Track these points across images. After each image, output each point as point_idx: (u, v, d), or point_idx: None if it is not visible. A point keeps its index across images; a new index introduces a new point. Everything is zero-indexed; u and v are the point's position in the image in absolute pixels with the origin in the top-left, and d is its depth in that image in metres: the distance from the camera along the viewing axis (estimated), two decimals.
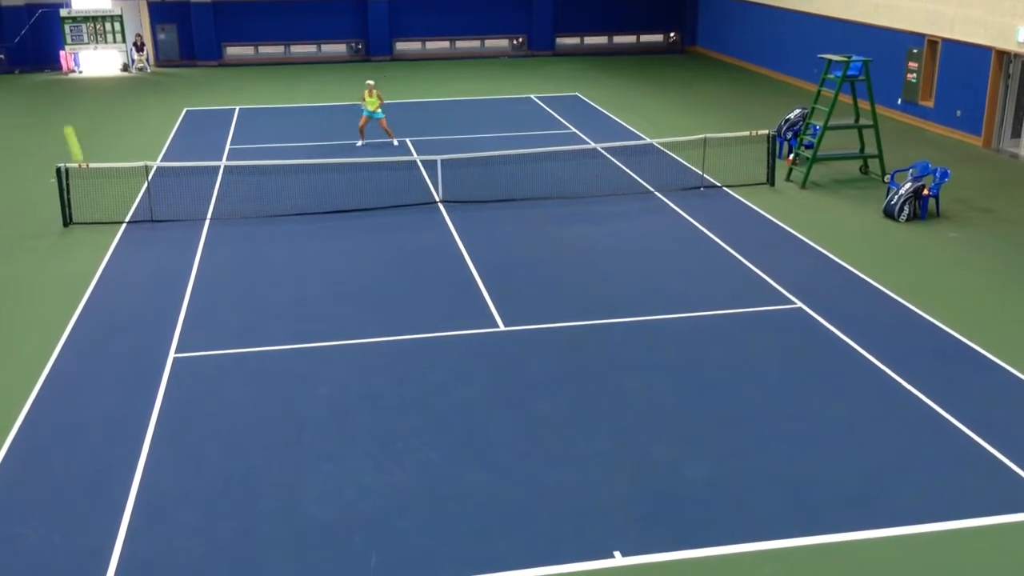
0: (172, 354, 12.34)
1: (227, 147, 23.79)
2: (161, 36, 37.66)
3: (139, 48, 36.31)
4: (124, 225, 17.59)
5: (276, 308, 13.82)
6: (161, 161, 22.11)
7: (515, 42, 39.97)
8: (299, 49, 38.57)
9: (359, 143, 23.69)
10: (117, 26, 36.00)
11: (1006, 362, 11.84)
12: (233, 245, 16.50)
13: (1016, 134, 22.77)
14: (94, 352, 12.42)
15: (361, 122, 23.62)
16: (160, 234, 17.12)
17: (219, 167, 21.07)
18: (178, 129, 26.01)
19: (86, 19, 35.76)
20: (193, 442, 10.28)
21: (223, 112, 28.24)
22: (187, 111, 28.47)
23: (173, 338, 12.82)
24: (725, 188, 19.67)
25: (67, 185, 17.57)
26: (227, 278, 14.98)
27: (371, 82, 24.05)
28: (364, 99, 23.51)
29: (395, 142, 23.80)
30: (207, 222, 17.75)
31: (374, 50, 38.59)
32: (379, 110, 23.46)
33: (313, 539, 8.64)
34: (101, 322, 13.36)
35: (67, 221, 17.59)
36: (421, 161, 21.15)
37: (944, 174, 18.12)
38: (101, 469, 9.75)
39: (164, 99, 30.58)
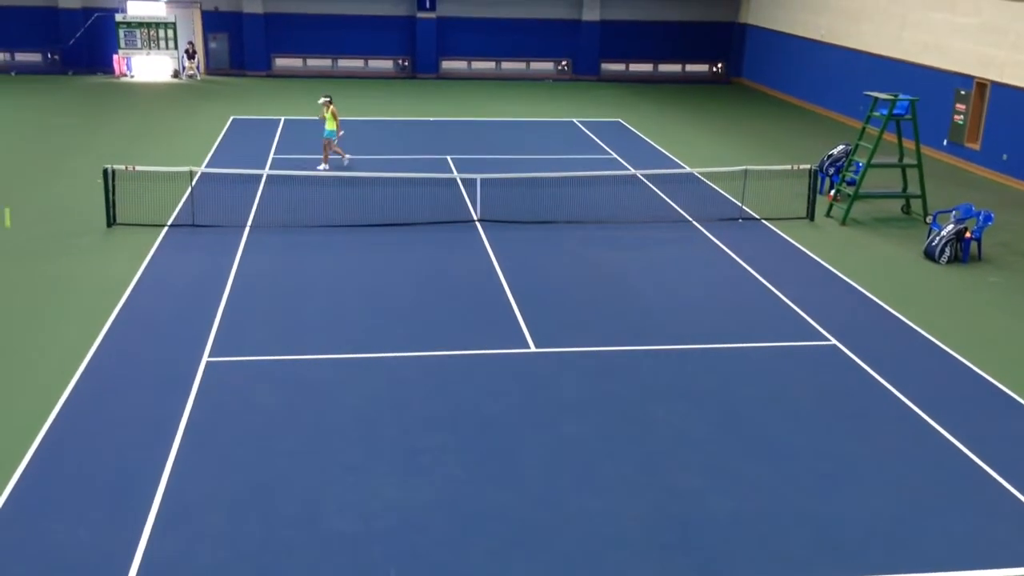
0: (206, 358, 12.46)
1: (271, 156, 24.07)
2: (212, 45, 38.29)
3: (191, 56, 36.92)
4: (166, 228, 17.84)
5: (310, 317, 13.93)
6: (206, 167, 22.42)
7: (560, 66, 40.15)
8: (346, 63, 39.01)
9: (321, 167, 22.33)
10: (170, 33, 36.63)
11: None
12: (271, 253, 16.67)
13: None
14: (129, 352, 12.57)
15: (325, 146, 22.45)
16: (200, 239, 17.34)
17: (262, 175, 21.31)
18: (224, 136, 26.37)
19: (140, 25, 36.42)
20: (221, 446, 10.36)
21: (269, 122, 28.60)
22: (234, 119, 28.86)
23: (208, 342, 12.95)
24: (764, 221, 19.58)
25: (112, 186, 17.86)
26: (264, 285, 15.13)
27: (326, 98, 22.50)
28: (324, 117, 22.22)
29: (324, 167, 22.30)
30: (247, 229, 17.95)
31: (421, 68, 38.95)
32: (332, 128, 22.14)
33: (333, 550, 8.66)
34: (138, 323, 13.53)
35: (111, 222, 17.86)
36: (461, 179, 21.26)
37: (988, 217, 17.91)
38: (130, 468, 9.85)
39: (212, 106, 31.03)
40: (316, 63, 38.97)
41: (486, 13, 39.07)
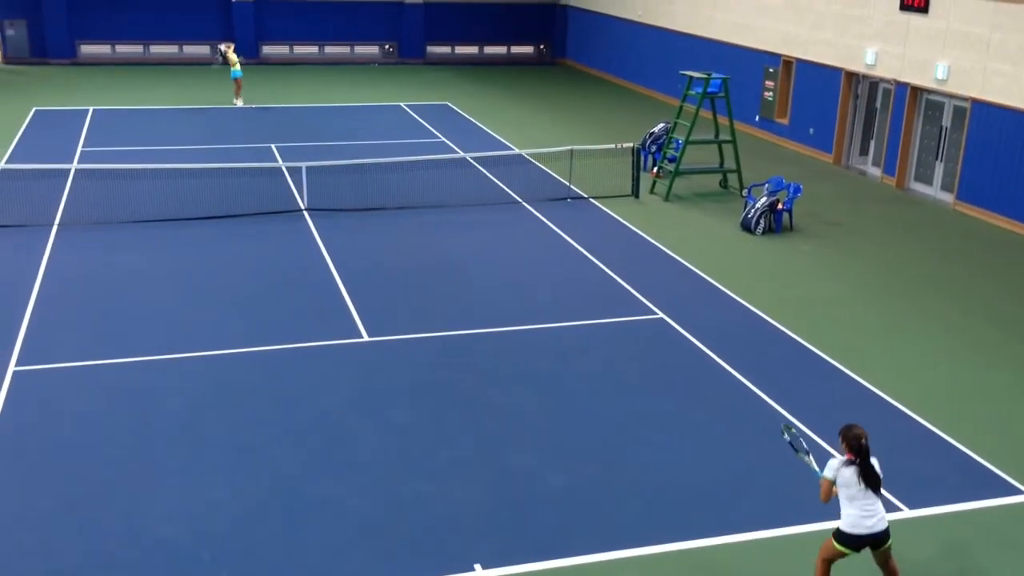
0: (12, 367, 11.65)
1: (79, 149, 22.74)
2: (10, 32, 35.77)
3: None
4: None
5: (128, 319, 13.24)
6: (5, 163, 20.94)
7: (386, 49, 39.70)
8: (160, 49, 37.28)
9: (237, 102, 28.45)
10: None
11: (849, 368, 12.36)
12: (83, 252, 15.75)
13: (864, 152, 23.93)
14: None
15: (236, 85, 28.36)
16: (2, 240, 16.18)
17: (69, 170, 20.10)
18: (26, 129, 24.71)
19: None
20: (31, 460, 9.71)
21: (76, 112, 27.00)
22: (36, 110, 27.10)
23: (14, 350, 12.11)
24: (591, 199, 19.97)
25: None
26: (76, 287, 14.28)
27: (228, 46, 29.63)
28: (232, 61, 28.18)
29: (239, 103, 28.37)
30: (55, 228, 16.90)
31: (239, 53, 37.62)
32: (237, 68, 28.21)
33: (160, 559, 8.26)
34: None
35: None
36: (286, 167, 20.70)
37: (797, 189, 18.86)
38: None
39: (11, 97, 29.02)
40: (127, 49, 37.05)
41: None
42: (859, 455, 7.38)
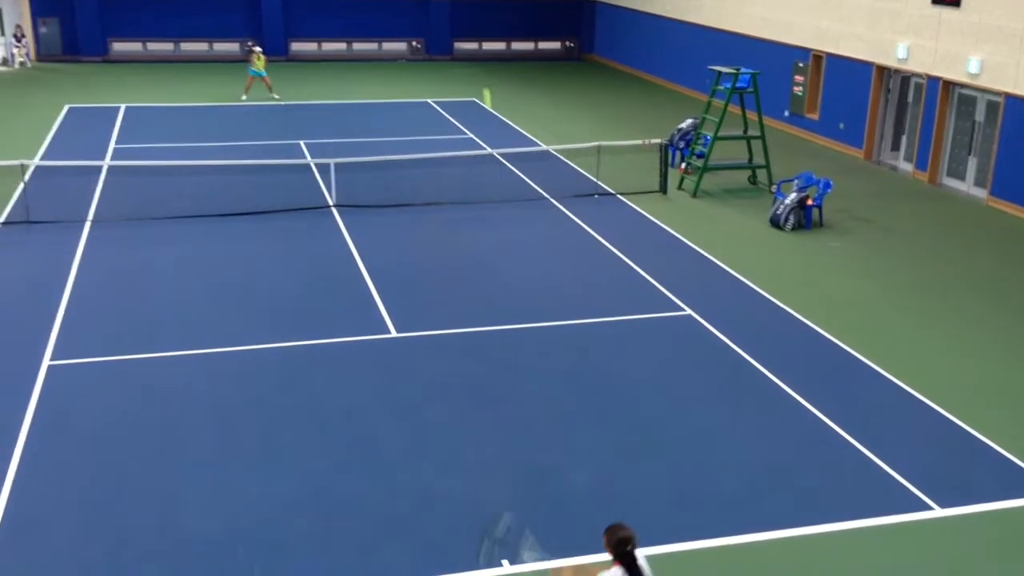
0: (47, 361, 11.81)
1: (111, 146, 22.97)
2: (43, 29, 36.19)
3: (18, 39, 34.77)
4: None
5: (159, 314, 13.37)
6: (40, 160, 21.20)
7: (414, 45, 39.77)
8: (190, 47, 37.56)
9: (243, 97, 29.05)
10: None
11: (880, 366, 12.26)
12: (116, 248, 15.92)
13: (895, 147, 23.69)
14: None
15: (248, 81, 29.12)
16: (37, 236, 16.40)
17: (102, 167, 20.32)
18: (59, 127, 25.00)
19: None
20: (66, 453, 9.84)
21: (108, 109, 27.28)
22: (69, 108, 27.41)
23: (48, 345, 12.27)
24: (619, 196, 19.92)
25: None
26: (108, 282, 14.44)
27: (258, 48, 30.11)
28: (253, 61, 29.01)
29: (276, 96, 29.20)
30: (88, 224, 17.09)
31: (269, 50, 37.87)
32: (263, 69, 29.06)
33: (193, 553, 8.35)
34: None
35: None
36: (314, 164, 20.81)
37: (827, 185, 18.72)
38: None
39: (45, 95, 29.36)
40: (157, 47, 37.37)
41: None
42: (624, 562, 6.26)
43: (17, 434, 10.14)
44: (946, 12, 21.02)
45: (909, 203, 20.18)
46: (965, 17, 20.50)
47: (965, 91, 21.05)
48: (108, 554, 8.31)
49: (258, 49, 29.97)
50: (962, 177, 21.28)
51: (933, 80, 21.57)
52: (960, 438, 10.65)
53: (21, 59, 34.67)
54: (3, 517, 8.74)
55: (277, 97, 29.24)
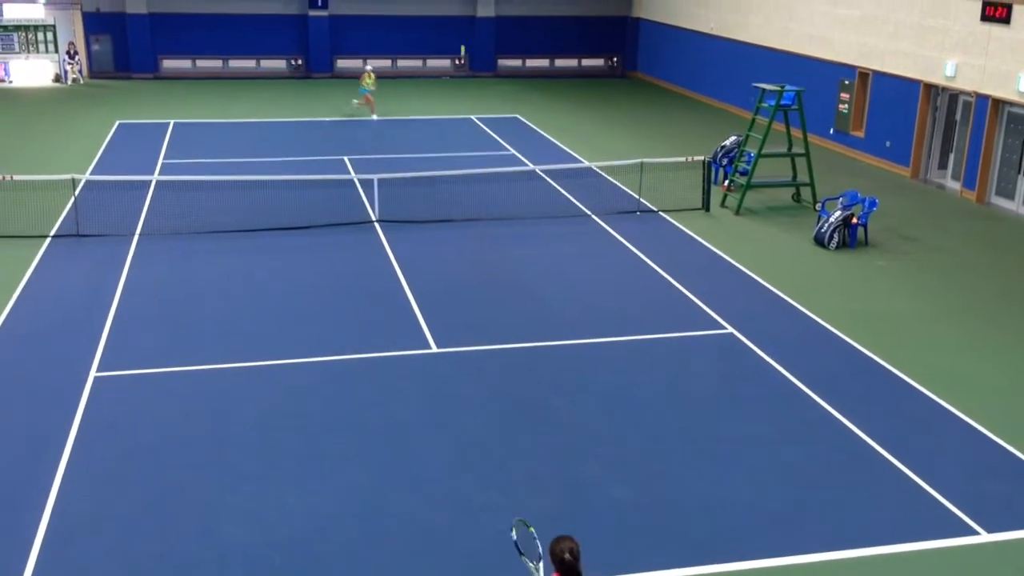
0: (93, 373, 12.01)
1: (160, 161, 23.38)
2: (95, 47, 36.98)
3: (71, 56, 35.55)
4: (48, 239, 17.14)
5: (204, 326, 13.55)
6: (90, 174, 21.63)
7: (457, 62, 40.05)
8: (238, 64, 38.14)
9: (374, 116, 29.83)
10: (50, 35, 35.27)
11: (927, 388, 12.07)
12: (162, 261, 16.18)
13: (943, 165, 23.38)
14: (12, 369, 12.03)
15: (364, 100, 30.10)
16: (86, 249, 16.72)
17: (150, 181, 20.68)
18: (110, 142, 25.50)
19: (18, 28, 34.98)
20: (111, 462, 9.99)
21: (157, 126, 27.78)
22: (120, 124, 27.95)
23: (95, 357, 12.48)
24: (661, 213, 19.86)
25: None
26: (154, 295, 14.67)
27: (370, 67, 31.75)
28: (364, 80, 30.06)
29: (375, 116, 29.73)
30: (136, 237, 17.39)
31: (315, 67, 38.37)
32: (373, 87, 30.20)
33: (234, 562, 8.43)
34: (20, 339, 12.96)
35: None
36: (358, 180, 21.01)
37: (872, 203, 18.51)
38: (14, 489, 9.42)
39: (96, 111, 29.97)
40: (206, 64, 37.99)
41: (380, 11, 38.68)
42: (565, 572, 6.23)
43: (64, 444, 10.31)
44: (996, 29, 20.75)
45: (957, 222, 19.89)
46: (1016, 35, 20.22)
47: (1015, 109, 20.74)
48: (152, 562, 8.41)
49: (369, 68, 31.16)
50: (1011, 196, 20.94)
51: (982, 98, 21.27)
52: (1008, 461, 10.44)
53: (74, 76, 35.43)
54: (49, 524, 8.89)
55: (375, 117, 29.83)
